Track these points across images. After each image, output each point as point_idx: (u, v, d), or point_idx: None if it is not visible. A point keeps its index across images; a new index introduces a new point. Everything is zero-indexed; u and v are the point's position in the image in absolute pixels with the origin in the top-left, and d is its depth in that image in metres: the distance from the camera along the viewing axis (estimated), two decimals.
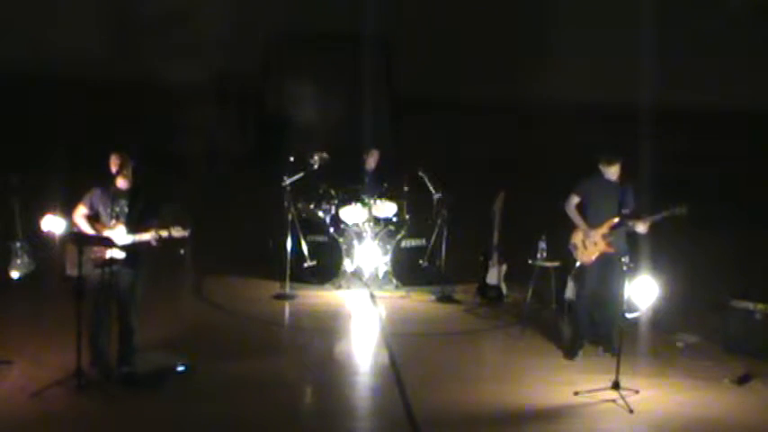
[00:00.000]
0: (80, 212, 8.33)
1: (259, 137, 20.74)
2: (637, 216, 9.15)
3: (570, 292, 10.50)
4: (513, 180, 13.30)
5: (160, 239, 8.26)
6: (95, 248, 8.21)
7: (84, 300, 8.07)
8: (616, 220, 9.17)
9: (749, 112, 19.94)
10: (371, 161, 12.10)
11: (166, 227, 8.28)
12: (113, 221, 8.28)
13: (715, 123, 19.80)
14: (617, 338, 9.04)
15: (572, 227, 9.45)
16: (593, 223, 9.30)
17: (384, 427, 8.08)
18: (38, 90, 19.57)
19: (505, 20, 21.12)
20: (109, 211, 8.29)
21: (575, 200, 9.38)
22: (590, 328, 9.59)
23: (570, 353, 9.49)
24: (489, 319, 10.80)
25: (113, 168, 8.29)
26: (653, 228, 9.18)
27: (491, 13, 21.06)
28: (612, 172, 9.21)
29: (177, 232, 8.34)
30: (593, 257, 9.30)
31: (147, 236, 8.24)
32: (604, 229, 9.21)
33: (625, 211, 9.15)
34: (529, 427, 7.99)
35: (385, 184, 11.99)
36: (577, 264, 9.67)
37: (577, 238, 9.41)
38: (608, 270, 9.26)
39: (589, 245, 9.30)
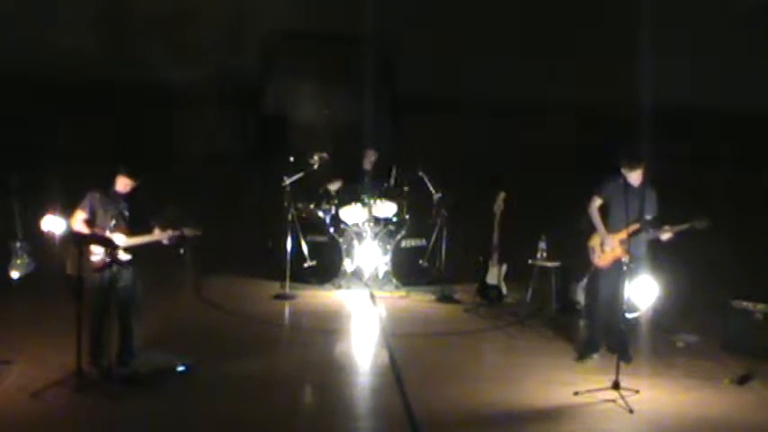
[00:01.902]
0: (79, 218, 8.30)
1: (259, 137, 20.74)
2: (660, 223, 9.06)
3: (576, 293, 10.50)
4: (512, 180, 13.29)
5: (172, 239, 8.28)
6: (95, 254, 8.20)
7: (85, 300, 8.07)
8: (636, 226, 9.04)
9: (749, 112, 19.94)
10: (367, 162, 12.11)
11: (176, 226, 8.30)
12: (114, 224, 8.27)
13: (715, 123, 19.80)
14: (626, 343, 9.04)
15: (590, 229, 9.38)
16: (612, 227, 9.16)
17: (384, 427, 8.08)
18: (37, 90, 19.57)
19: (505, 20, 21.12)
20: (110, 213, 8.29)
21: (597, 201, 9.25)
22: (604, 333, 9.56)
23: (582, 355, 9.44)
24: (489, 319, 10.80)
25: (121, 188, 8.28)
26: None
27: (491, 13, 21.06)
28: (635, 176, 9.03)
29: (189, 231, 8.37)
30: (608, 262, 9.24)
31: (156, 236, 8.25)
32: (623, 234, 9.05)
33: (648, 217, 9.03)
34: (529, 427, 7.98)
35: (385, 184, 12.00)
36: (592, 267, 9.63)
37: (595, 241, 9.32)
38: (624, 276, 9.19)
39: (606, 249, 9.24)
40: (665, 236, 9.02)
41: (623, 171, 9.08)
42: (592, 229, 9.36)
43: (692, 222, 8.92)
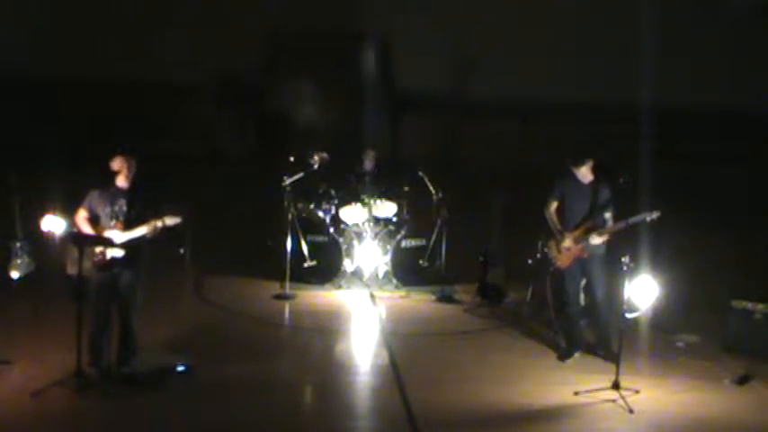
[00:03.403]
0: (81, 216, 8.34)
1: (259, 137, 20.74)
2: (608, 218, 9.08)
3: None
4: (513, 180, 13.30)
5: (156, 230, 8.24)
6: (96, 251, 8.21)
7: (85, 300, 8.07)
8: (590, 223, 9.11)
9: (749, 112, 19.94)
10: (368, 161, 12.09)
11: (160, 218, 8.27)
12: (113, 221, 8.28)
13: (715, 123, 19.80)
14: (615, 340, 9.04)
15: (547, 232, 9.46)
16: (568, 226, 9.28)
17: (384, 427, 8.08)
18: (37, 90, 19.57)
19: (506, 19, 21.12)
20: (108, 211, 8.30)
21: (553, 204, 9.37)
22: (583, 332, 9.59)
23: (564, 355, 9.48)
24: (489, 319, 10.80)
25: (116, 169, 8.29)
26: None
27: (491, 13, 21.06)
28: (583, 174, 9.19)
29: (171, 220, 8.33)
30: (568, 262, 9.30)
31: (142, 230, 8.23)
32: (577, 232, 9.19)
33: (607, 215, 9.09)
34: (529, 427, 7.99)
35: (385, 185, 11.99)
36: (552, 268, 9.66)
37: (552, 242, 9.42)
38: (588, 274, 9.29)
39: (563, 250, 9.29)
40: (596, 240, 9.05)
41: (571, 169, 9.22)
42: (549, 233, 9.43)
43: (639, 216, 8.96)
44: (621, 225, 9.04)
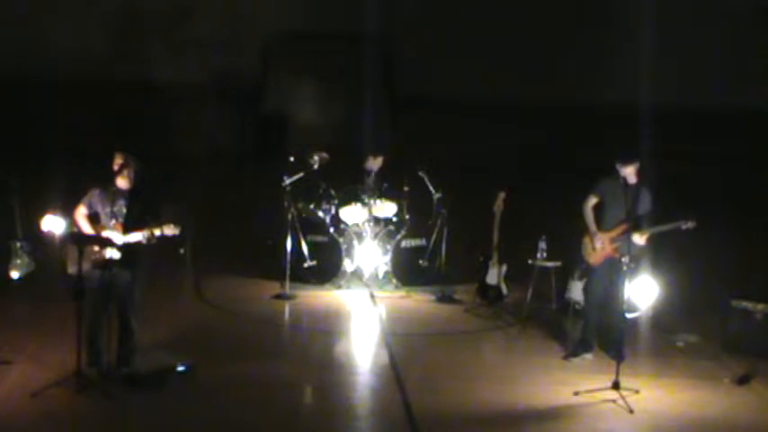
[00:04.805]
0: (80, 212, 8.34)
1: (259, 136, 20.75)
2: (638, 225, 9.03)
3: (574, 292, 10.48)
4: (512, 180, 13.27)
5: (153, 238, 8.23)
6: (95, 249, 8.21)
7: (84, 300, 8.06)
8: (626, 225, 9.03)
9: (749, 112, 19.95)
10: (375, 163, 12.01)
11: (159, 225, 8.26)
12: (112, 222, 8.27)
13: (715, 123, 19.80)
14: (621, 341, 9.03)
15: (582, 227, 9.40)
16: (605, 225, 9.19)
17: (384, 427, 8.08)
18: (38, 90, 19.57)
19: (505, 19, 21.12)
20: (108, 211, 8.29)
21: (592, 200, 9.27)
22: (596, 332, 9.56)
23: (571, 354, 9.46)
24: (489, 319, 10.80)
25: (115, 168, 8.29)
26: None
27: (491, 13, 21.06)
28: (629, 173, 9.04)
29: (169, 230, 8.32)
30: (599, 260, 9.26)
31: (138, 235, 8.22)
32: (614, 233, 9.12)
33: (642, 214, 9.04)
34: (529, 427, 7.99)
35: (385, 184, 11.97)
36: (583, 265, 9.63)
37: (587, 239, 9.37)
38: (614, 274, 9.22)
39: (597, 247, 9.25)
40: (638, 240, 8.98)
41: (618, 167, 9.10)
42: (586, 228, 9.39)
43: (676, 223, 8.92)
44: (664, 228, 8.96)
